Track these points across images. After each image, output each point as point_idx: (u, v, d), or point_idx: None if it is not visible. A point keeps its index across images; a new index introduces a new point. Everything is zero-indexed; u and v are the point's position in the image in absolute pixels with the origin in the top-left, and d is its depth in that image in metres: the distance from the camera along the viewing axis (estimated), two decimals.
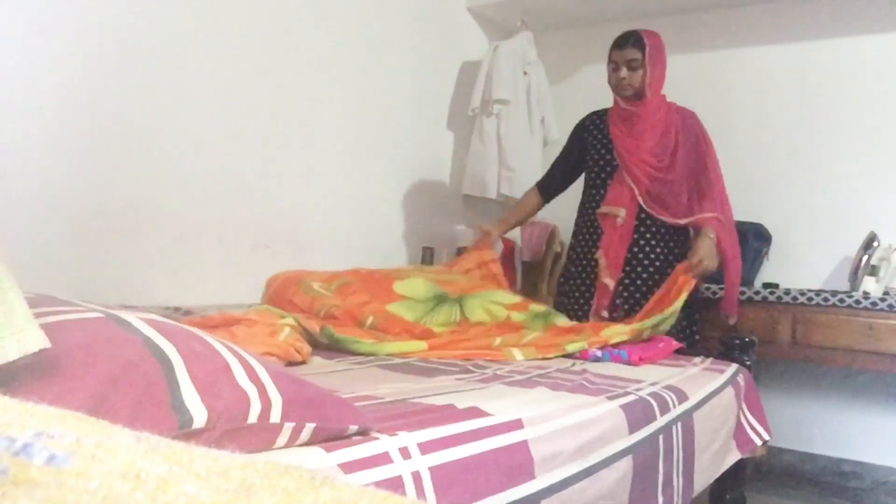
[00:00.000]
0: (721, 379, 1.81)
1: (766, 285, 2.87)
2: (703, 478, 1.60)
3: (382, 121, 3.10)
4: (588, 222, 2.55)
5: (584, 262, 2.53)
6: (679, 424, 1.45)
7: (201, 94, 2.37)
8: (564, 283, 2.68)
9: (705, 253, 2.26)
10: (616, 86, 2.46)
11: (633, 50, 2.40)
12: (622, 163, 2.45)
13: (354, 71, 2.95)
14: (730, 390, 1.81)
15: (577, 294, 2.55)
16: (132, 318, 0.76)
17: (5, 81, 1.89)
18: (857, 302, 2.54)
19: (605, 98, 2.64)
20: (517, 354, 1.88)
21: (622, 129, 2.49)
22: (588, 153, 2.60)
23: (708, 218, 2.34)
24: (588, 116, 2.70)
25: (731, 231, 2.40)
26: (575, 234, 2.63)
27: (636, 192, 2.40)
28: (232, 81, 2.46)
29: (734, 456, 1.83)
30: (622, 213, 2.41)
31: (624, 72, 2.41)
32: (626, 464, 1.22)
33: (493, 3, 3.47)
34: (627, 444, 1.25)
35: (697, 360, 2.01)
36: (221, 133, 2.44)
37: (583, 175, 2.66)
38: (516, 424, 1.05)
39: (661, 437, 1.37)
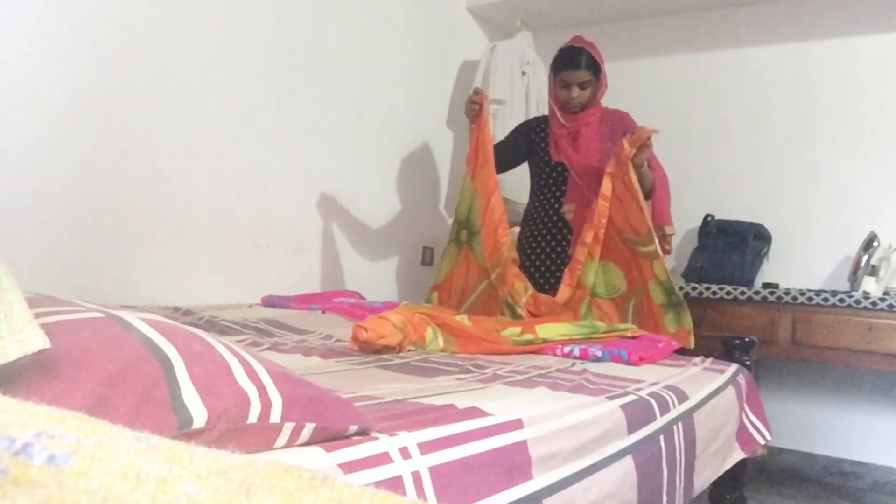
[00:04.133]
0: (721, 379, 1.81)
1: (766, 285, 2.87)
2: (703, 478, 1.60)
3: (382, 120, 3.10)
4: (546, 220, 2.62)
5: (544, 257, 2.62)
6: (680, 424, 1.45)
7: (201, 94, 2.37)
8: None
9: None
10: (566, 103, 2.51)
11: (585, 72, 2.46)
12: (577, 177, 2.53)
13: (354, 70, 2.95)
14: (731, 390, 1.81)
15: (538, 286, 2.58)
16: (132, 318, 0.76)
17: (6, 82, 1.90)
18: (857, 302, 2.54)
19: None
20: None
21: (568, 144, 2.54)
22: (535, 154, 2.68)
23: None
24: (534, 120, 2.79)
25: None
26: (532, 233, 2.67)
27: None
28: (232, 82, 2.47)
29: (737, 456, 1.83)
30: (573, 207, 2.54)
31: (576, 91, 2.47)
32: (626, 464, 1.22)
33: (492, 2, 3.47)
34: (626, 444, 1.25)
35: (697, 360, 2.01)
36: (221, 133, 2.44)
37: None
38: (516, 424, 1.04)
39: (661, 436, 1.36)
